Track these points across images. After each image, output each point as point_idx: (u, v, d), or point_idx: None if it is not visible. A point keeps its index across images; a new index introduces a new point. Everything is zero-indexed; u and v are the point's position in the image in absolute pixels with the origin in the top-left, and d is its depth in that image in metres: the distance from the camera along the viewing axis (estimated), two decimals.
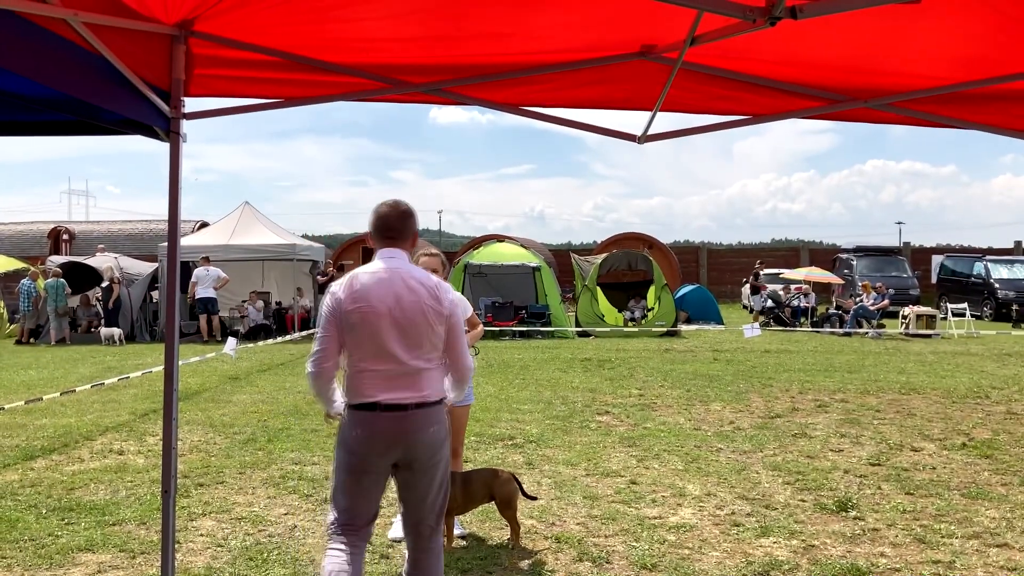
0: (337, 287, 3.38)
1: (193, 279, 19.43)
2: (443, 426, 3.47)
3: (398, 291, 3.32)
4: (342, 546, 3.43)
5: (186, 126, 3.31)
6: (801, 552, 5.01)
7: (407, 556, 3.63)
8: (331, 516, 3.49)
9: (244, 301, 20.60)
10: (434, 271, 4.25)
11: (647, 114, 3.37)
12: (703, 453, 7.51)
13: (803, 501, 6.05)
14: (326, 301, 3.39)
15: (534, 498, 5.69)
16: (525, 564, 4.83)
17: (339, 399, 3.50)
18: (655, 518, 5.66)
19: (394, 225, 3.45)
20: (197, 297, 19.22)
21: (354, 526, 3.47)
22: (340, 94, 3.25)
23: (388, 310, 3.30)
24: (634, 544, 5.14)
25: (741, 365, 14.14)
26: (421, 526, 3.56)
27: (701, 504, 5.98)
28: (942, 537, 5.28)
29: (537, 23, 2.91)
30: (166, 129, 3.17)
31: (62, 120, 3.21)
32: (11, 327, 21.22)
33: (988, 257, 27.72)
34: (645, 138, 3.30)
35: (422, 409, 3.36)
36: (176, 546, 5.06)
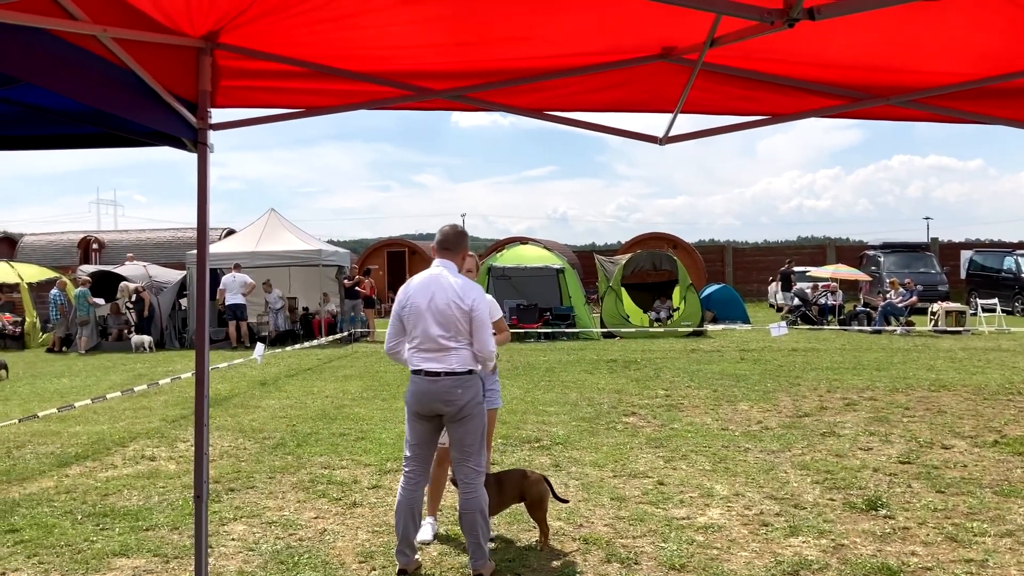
0: (401, 289, 4.70)
1: (221, 286, 19.62)
2: (470, 390, 4.55)
3: (434, 290, 4.52)
4: (408, 473, 4.69)
5: (212, 136, 3.36)
6: (831, 551, 4.99)
7: (459, 494, 4.71)
8: (405, 452, 4.74)
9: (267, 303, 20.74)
10: (468, 271, 5.08)
11: (669, 116, 3.38)
12: (731, 453, 7.49)
13: (832, 500, 6.02)
14: (396, 301, 4.71)
15: (565, 501, 5.70)
16: (554, 565, 4.85)
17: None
18: (683, 519, 5.66)
19: (451, 241, 4.70)
20: (227, 304, 19.40)
21: (416, 457, 4.70)
22: (363, 102, 3.29)
23: (427, 304, 4.51)
24: (662, 545, 5.15)
25: (768, 364, 14.06)
26: (463, 466, 4.64)
27: (729, 504, 5.96)
28: (974, 536, 5.23)
29: (558, 26, 2.92)
30: (193, 140, 3.22)
31: (92, 133, 3.27)
32: (44, 336, 21.53)
33: (1018, 251, 27.32)
34: (667, 139, 3.31)
35: (449, 377, 4.51)
36: (209, 550, 5.13)
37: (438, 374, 4.52)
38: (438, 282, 4.55)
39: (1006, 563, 4.77)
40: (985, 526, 5.40)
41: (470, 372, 4.58)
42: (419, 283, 4.62)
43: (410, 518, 4.68)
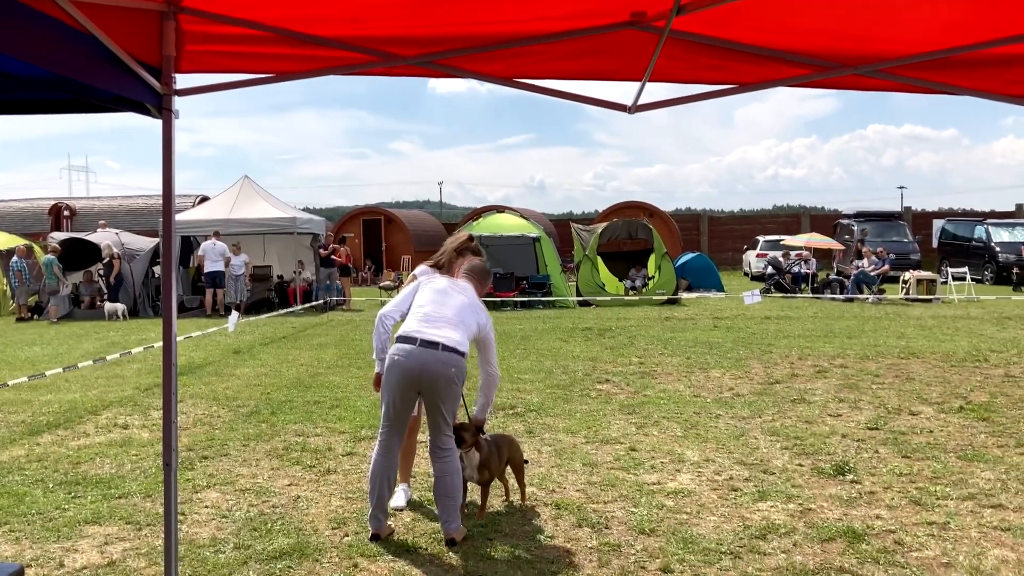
0: (427, 269, 5.16)
1: (200, 252, 19.45)
2: (460, 369, 4.62)
3: (460, 291, 4.85)
4: (384, 440, 4.72)
5: (181, 101, 3.31)
6: (798, 515, 5.08)
7: (434, 463, 4.75)
8: (381, 420, 4.77)
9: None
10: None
11: (638, 84, 3.38)
12: (702, 420, 7.58)
13: (801, 466, 6.12)
14: (417, 276, 5.09)
15: (525, 461, 5.79)
16: (525, 530, 4.90)
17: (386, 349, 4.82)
18: (654, 484, 5.73)
19: (478, 273, 5.08)
20: (206, 271, 19.25)
21: (394, 426, 4.73)
22: (330, 68, 3.25)
23: (450, 292, 4.81)
24: (633, 510, 5.21)
25: (741, 332, 14.19)
26: (441, 434, 4.70)
27: (699, 470, 6.05)
28: (937, 499, 5.34)
29: None
30: (158, 106, 3.18)
31: (55, 99, 3.22)
32: (13, 304, 21.30)
33: (989, 221, 27.67)
34: (636, 108, 3.30)
35: (445, 351, 4.55)
36: (181, 517, 5.14)
37: (435, 344, 4.55)
38: (466, 288, 4.92)
39: (967, 525, 4.88)
40: (948, 490, 5.52)
41: (462, 354, 4.64)
42: (448, 278, 4.97)
43: (385, 484, 4.73)
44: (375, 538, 4.74)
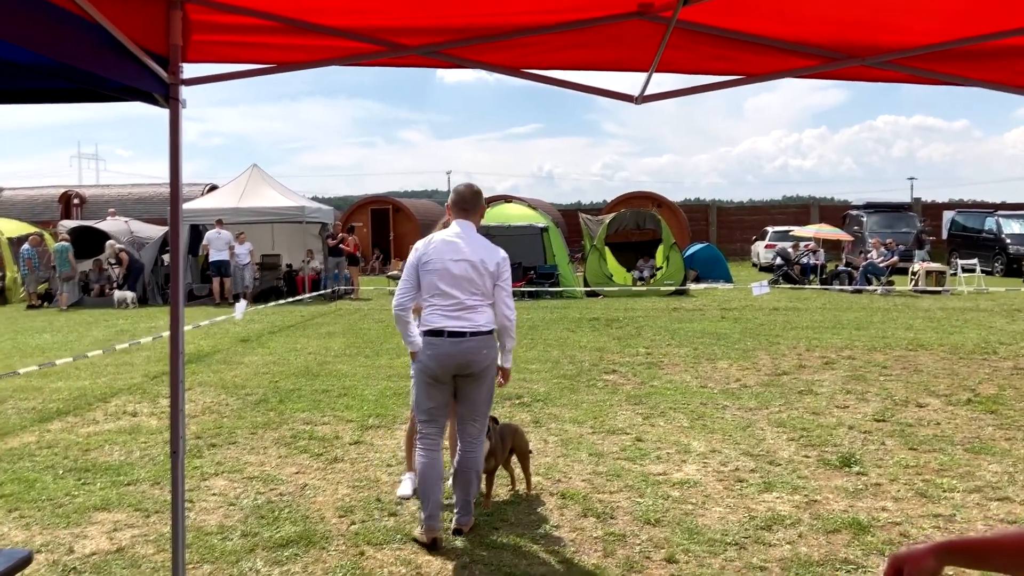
0: (420, 244, 4.64)
1: (205, 242, 19.50)
2: (493, 349, 4.61)
3: (460, 250, 4.51)
4: (427, 440, 4.62)
5: (188, 91, 3.32)
6: (803, 507, 5.09)
7: (458, 452, 4.76)
8: (420, 416, 4.68)
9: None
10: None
11: (645, 75, 3.37)
12: (709, 410, 7.58)
13: (807, 457, 6.12)
14: (410, 255, 4.63)
15: (530, 451, 5.82)
16: (531, 519, 4.92)
17: (415, 332, 4.60)
18: (660, 474, 5.74)
19: (468, 201, 4.66)
20: (211, 260, 19.30)
21: (435, 420, 4.65)
22: (336, 58, 3.25)
23: (451, 262, 4.48)
24: (638, 500, 5.23)
25: (749, 323, 14.16)
26: (470, 424, 4.72)
27: (705, 460, 6.05)
28: (944, 491, 5.34)
29: None
30: (165, 95, 3.18)
31: (63, 88, 3.22)
32: (24, 292, 21.40)
33: (1000, 212, 27.49)
34: (642, 99, 3.29)
35: (475, 337, 4.50)
36: (189, 505, 5.18)
37: (463, 334, 4.47)
38: (464, 242, 4.55)
39: (973, 518, 4.88)
40: (954, 482, 5.51)
41: (491, 332, 4.59)
42: (442, 240, 4.56)
43: (439, 482, 4.59)
44: (434, 544, 4.50)
